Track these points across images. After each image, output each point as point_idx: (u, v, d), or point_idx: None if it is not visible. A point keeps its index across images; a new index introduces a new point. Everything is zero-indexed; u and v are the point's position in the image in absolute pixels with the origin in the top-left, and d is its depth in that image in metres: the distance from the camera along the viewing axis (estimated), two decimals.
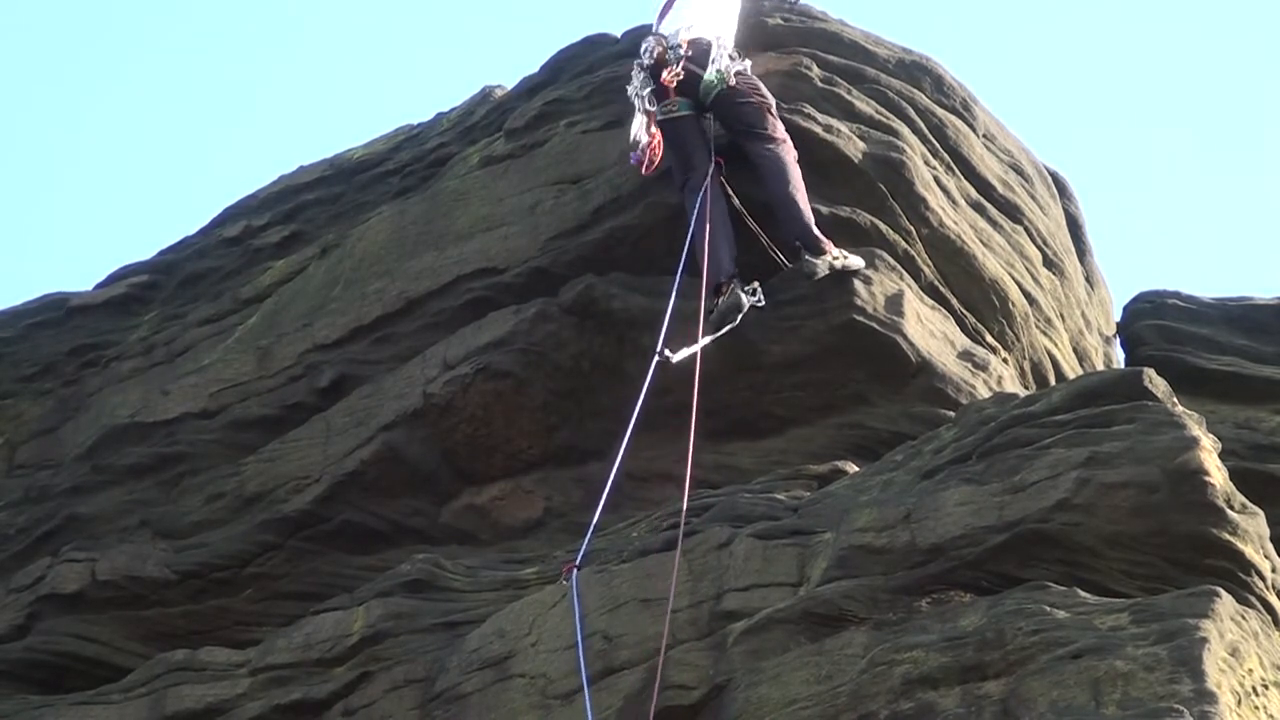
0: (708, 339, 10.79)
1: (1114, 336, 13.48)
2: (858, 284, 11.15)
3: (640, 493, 11.01)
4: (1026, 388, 11.83)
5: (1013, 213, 12.48)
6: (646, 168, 11.44)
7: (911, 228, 11.73)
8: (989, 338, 11.91)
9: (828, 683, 8.74)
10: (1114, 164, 40.99)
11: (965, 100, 12.69)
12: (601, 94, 12.52)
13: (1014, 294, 12.08)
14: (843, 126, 11.79)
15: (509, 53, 39.92)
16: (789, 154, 11.31)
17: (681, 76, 11.40)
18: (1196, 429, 9.10)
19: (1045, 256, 12.59)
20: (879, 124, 11.97)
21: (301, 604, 11.35)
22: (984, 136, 12.67)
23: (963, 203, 12.17)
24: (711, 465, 11.12)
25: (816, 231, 11.13)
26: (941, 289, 11.78)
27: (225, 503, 12.04)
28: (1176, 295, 13.73)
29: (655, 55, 11.50)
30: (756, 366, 11.20)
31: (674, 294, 10.89)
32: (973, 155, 12.44)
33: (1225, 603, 8.49)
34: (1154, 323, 13.45)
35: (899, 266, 11.50)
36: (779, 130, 11.40)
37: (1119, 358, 13.37)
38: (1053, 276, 12.59)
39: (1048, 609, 8.54)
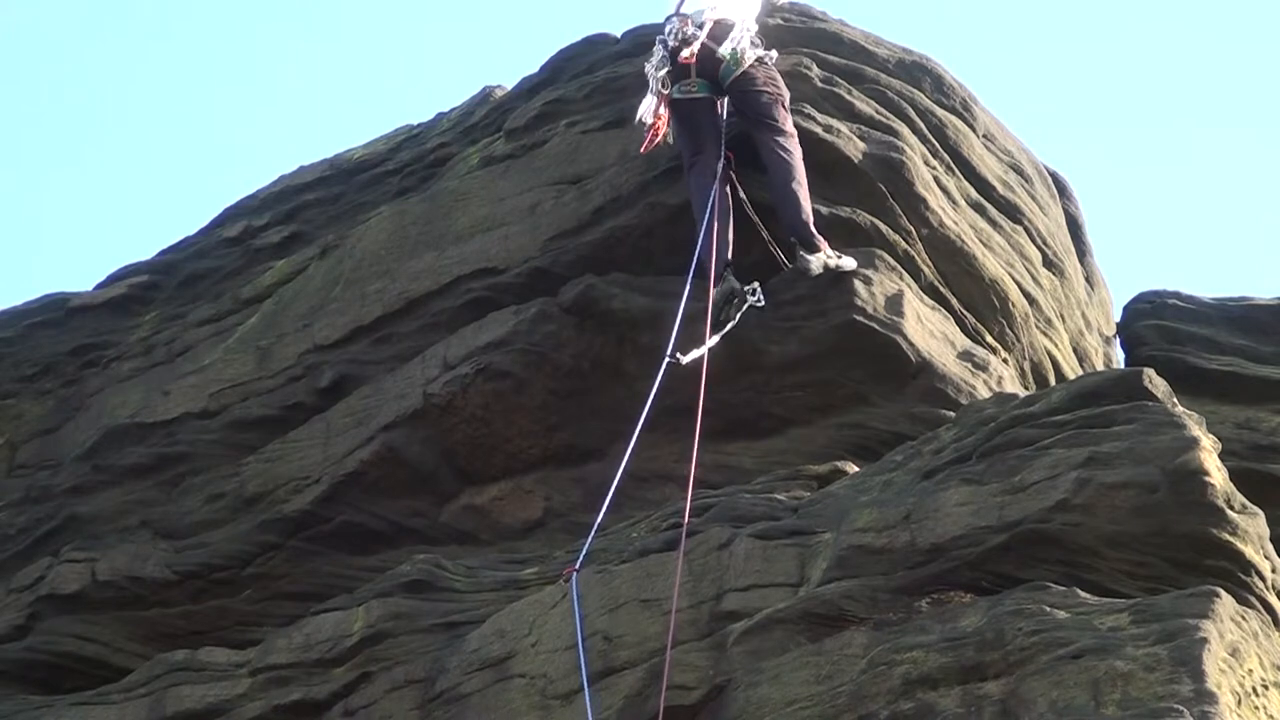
0: (715, 339, 10.78)
1: (1114, 336, 13.48)
2: (858, 284, 11.15)
3: (640, 493, 11.01)
4: (1026, 388, 11.82)
5: (1013, 213, 12.47)
6: (645, 146, 11.45)
7: (911, 228, 11.72)
8: (989, 338, 11.90)
9: (828, 683, 8.74)
10: (1114, 164, 41.00)
11: (965, 100, 12.69)
12: (601, 94, 12.52)
13: (1014, 294, 12.08)
14: (843, 126, 11.79)
15: (509, 53, 39.97)
16: (796, 149, 11.32)
17: (695, 58, 11.39)
18: (1196, 429, 9.10)
19: (1045, 256, 12.59)
20: (879, 124, 11.97)
21: (301, 604, 11.35)
22: (984, 136, 12.67)
23: (963, 203, 12.17)
24: (711, 465, 11.12)
25: (813, 229, 11.13)
26: (941, 289, 11.78)
27: (225, 503, 12.04)
28: (1176, 295, 13.73)
29: (679, 35, 11.49)
30: (757, 366, 11.19)
31: (685, 294, 10.87)
32: (973, 155, 12.44)
33: (1225, 603, 8.49)
34: (1154, 323, 13.44)
35: (899, 266, 11.49)
36: (789, 124, 11.41)
37: (1119, 358, 13.37)
38: (1053, 276, 12.59)
39: (1048, 609, 8.54)
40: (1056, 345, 12.39)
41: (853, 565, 9.21)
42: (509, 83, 13.61)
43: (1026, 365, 12.13)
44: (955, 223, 11.90)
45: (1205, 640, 8.17)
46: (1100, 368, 12.61)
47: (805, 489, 10.35)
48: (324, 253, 13.08)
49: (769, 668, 8.95)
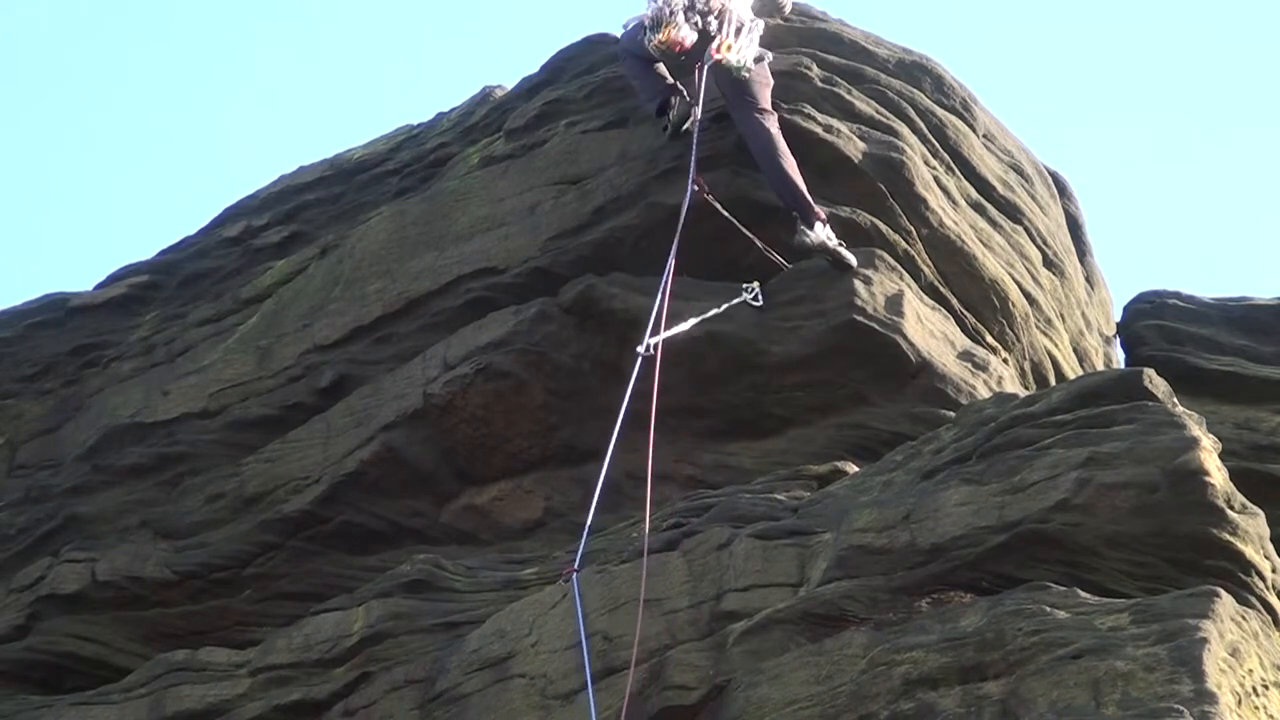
0: (678, 328, 10.79)
1: (1114, 336, 13.48)
2: (858, 284, 11.15)
3: (640, 492, 10.98)
4: (1026, 388, 11.82)
5: (1013, 213, 12.47)
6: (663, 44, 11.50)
7: (911, 228, 11.73)
8: (989, 338, 11.90)
9: (828, 683, 8.74)
10: (1114, 164, 41.01)
11: (965, 100, 12.69)
12: (601, 94, 12.52)
13: (1014, 294, 12.08)
14: (843, 126, 11.79)
15: (509, 53, 39.97)
16: (775, 124, 11.38)
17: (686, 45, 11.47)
18: (1196, 429, 9.10)
19: (1045, 256, 12.59)
20: (879, 124, 11.97)
21: (301, 604, 11.35)
22: (984, 136, 12.67)
23: (963, 203, 12.17)
24: (711, 465, 11.13)
25: (810, 201, 11.16)
26: (941, 289, 11.78)
27: (225, 503, 12.04)
28: (1176, 295, 13.73)
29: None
30: (756, 366, 11.19)
31: (663, 288, 10.91)
32: (973, 155, 12.44)
33: (1225, 603, 8.49)
34: (1154, 323, 13.44)
35: (899, 266, 11.49)
36: (767, 100, 11.48)
37: (1119, 358, 13.37)
38: (1053, 276, 12.59)
39: (1048, 609, 8.54)
40: (1056, 345, 12.39)
41: (853, 565, 9.21)
42: (509, 83, 13.61)
43: (1026, 365, 12.13)
44: (955, 223, 11.90)
45: (1205, 640, 8.17)
46: (1100, 368, 12.61)
47: (805, 489, 10.35)
48: (324, 253, 13.08)
49: (769, 668, 8.94)
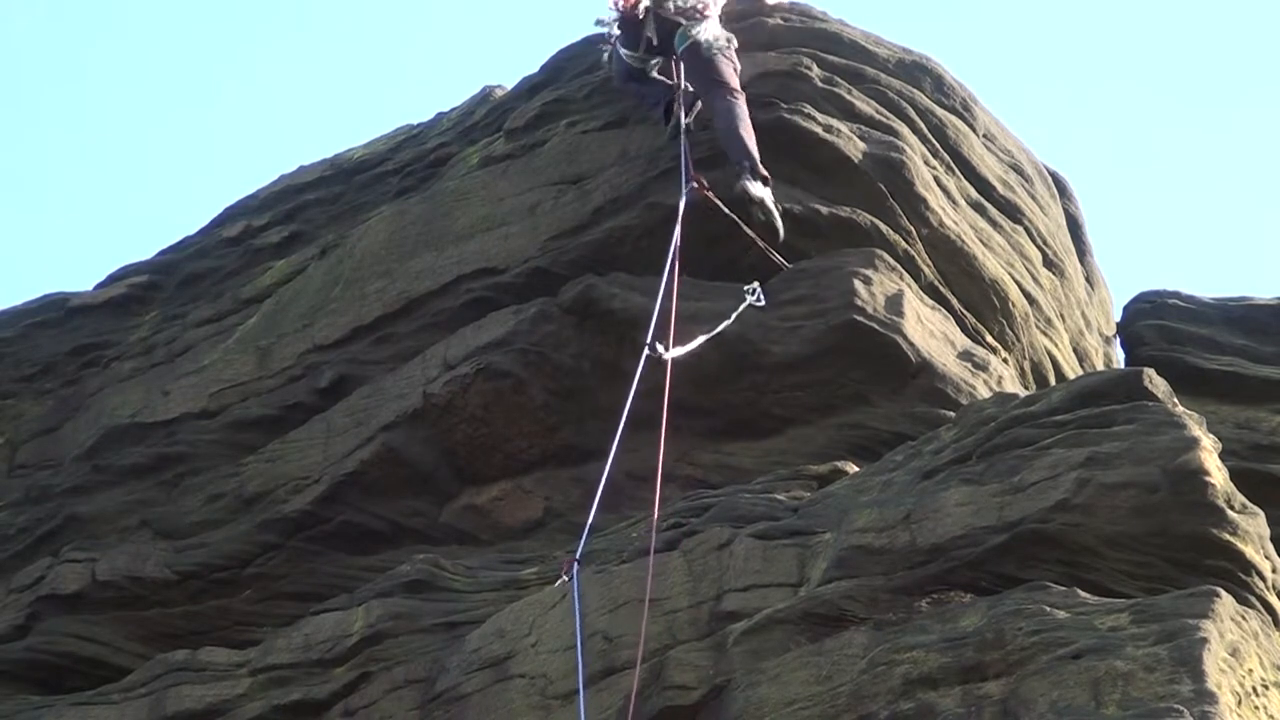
0: (703, 338, 10.81)
1: (1114, 336, 13.48)
2: (858, 284, 11.15)
3: (640, 493, 10.98)
4: (1026, 388, 11.82)
5: (1013, 213, 12.48)
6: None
7: (911, 228, 11.73)
8: (989, 338, 11.90)
9: (828, 683, 8.73)
10: (1114, 164, 41.01)
11: (965, 100, 12.69)
12: (601, 94, 12.52)
13: (1014, 294, 12.08)
14: (843, 126, 11.79)
15: (509, 53, 39.96)
16: (743, 104, 11.51)
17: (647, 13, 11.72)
18: (1196, 429, 9.09)
19: (1045, 256, 12.59)
20: (879, 124, 11.97)
21: (301, 604, 11.35)
22: (984, 136, 12.67)
23: (963, 203, 12.17)
24: (711, 465, 11.13)
25: (759, 165, 11.28)
26: (941, 289, 11.78)
27: (225, 503, 12.04)
28: (1176, 295, 13.73)
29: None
30: (756, 366, 11.19)
31: (662, 288, 10.92)
32: (973, 155, 12.44)
33: (1225, 603, 8.48)
34: (1154, 323, 13.44)
35: (899, 266, 11.50)
36: (736, 83, 11.60)
37: (1119, 358, 13.37)
38: (1053, 276, 12.59)
39: (1048, 609, 8.53)
40: (1056, 345, 12.39)
41: (853, 565, 9.20)
42: (509, 83, 13.62)
43: (1026, 365, 12.13)
44: (955, 223, 11.90)
45: (1205, 640, 8.17)
46: (1100, 368, 12.62)
47: (805, 489, 10.34)
48: (324, 253, 13.09)
49: (769, 668, 8.94)
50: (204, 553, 11.90)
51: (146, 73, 43.53)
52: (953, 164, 12.29)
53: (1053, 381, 12.02)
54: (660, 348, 10.53)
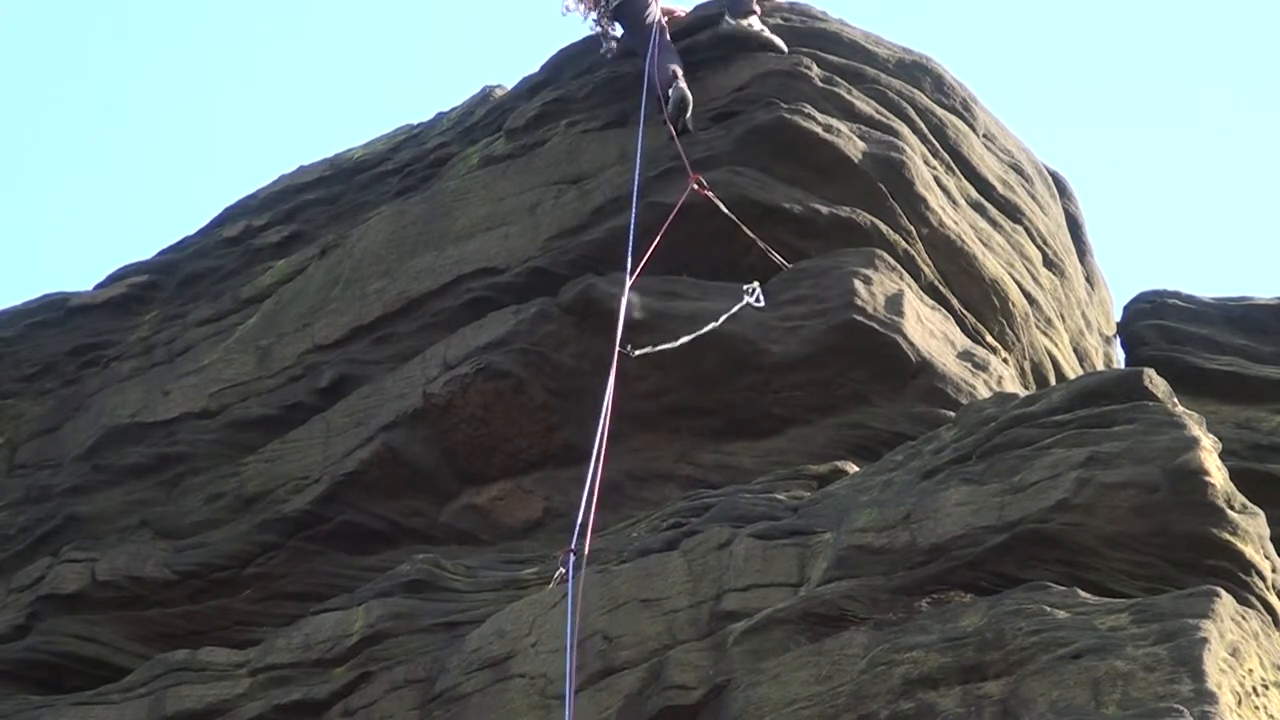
0: (678, 341, 10.93)
1: (1114, 336, 13.49)
2: (858, 284, 11.15)
3: (640, 493, 11.01)
4: (1026, 388, 11.82)
5: (1013, 213, 12.48)
6: None
7: (911, 228, 11.73)
8: (989, 338, 11.90)
9: (828, 683, 8.73)
10: (1114, 164, 41.02)
11: (965, 100, 12.70)
12: (601, 94, 12.53)
13: (1014, 294, 12.08)
14: (843, 126, 11.79)
15: (509, 53, 39.97)
16: (664, 37, 12.22)
17: None
18: (1196, 429, 9.09)
19: (1045, 256, 12.59)
20: (879, 124, 11.97)
21: (301, 604, 11.35)
22: (984, 136, 12.68)
23: (963, 203, 12.17)
24: (711, 465, 11.12)
25: (681, 79, 11.81)
26: (941, 289, 11.78)
27: (225, 503, 12.03)
28: (1176, 295, 13.74)
29: None
30: (756, 366, 11.19)
31: (627, 283, 11.07)
32: (973, 155, 12.44)
33: (1225, 603, 8.48)
34: (1154, 323, 13.45)
35: (899, 266, 11.50)
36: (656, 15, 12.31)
37: (1119, 358, 13.37)
38: (1053, 276, 12.59)
39: (1048, 609, 8.53)
40: (1056, 345, 12.39)
41: (853, 565, 9.20)
42: (509, 83, 13.63)
43: (1026, 365, 12.13)
44: (955, 222, 11.90)
45: (1205, 640, 8.16)
46: (1100, 368, 12.62)
47: (805, 489, 10.34)
48: (324, 253, 13.09)
49: (769, 668, 8.94)
50: (204, 553, 11.90)
51: (146, 73, 43.57)
52: (953, 164, 12.30)
53: (1053, 381, 12.02)
54: (630, 346, 10.60)
